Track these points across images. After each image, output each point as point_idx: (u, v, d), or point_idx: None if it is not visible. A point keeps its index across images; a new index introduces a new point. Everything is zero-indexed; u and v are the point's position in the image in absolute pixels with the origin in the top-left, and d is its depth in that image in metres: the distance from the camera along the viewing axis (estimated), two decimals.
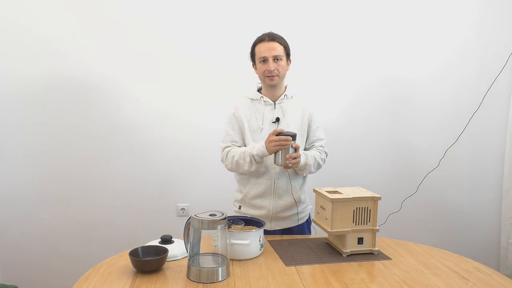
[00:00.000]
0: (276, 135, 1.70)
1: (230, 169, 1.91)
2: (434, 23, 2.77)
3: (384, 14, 2.73)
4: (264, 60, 1.82)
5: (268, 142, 1.73)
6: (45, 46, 2.51)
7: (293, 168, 1.81)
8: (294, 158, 1.72)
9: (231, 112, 1.93)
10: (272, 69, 1.81)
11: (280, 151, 1.72)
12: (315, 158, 1.86)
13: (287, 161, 1.71)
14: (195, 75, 2.64)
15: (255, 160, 1.78)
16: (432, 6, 2.75)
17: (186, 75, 2.63)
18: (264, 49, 1.82)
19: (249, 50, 1.91)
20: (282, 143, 1.68)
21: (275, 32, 1.87)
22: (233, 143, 1.89)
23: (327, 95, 2.74)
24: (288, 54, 1.88)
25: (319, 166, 1.91)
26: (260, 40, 1.85)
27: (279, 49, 1.82)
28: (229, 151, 1.87)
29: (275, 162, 1.77)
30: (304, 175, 1.93)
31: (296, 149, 1.73)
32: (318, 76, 2.71)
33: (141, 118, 2.64)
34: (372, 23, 2.73)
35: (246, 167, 1.81)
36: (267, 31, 1.89)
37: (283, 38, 1.87)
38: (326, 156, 1.96)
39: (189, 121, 2.67)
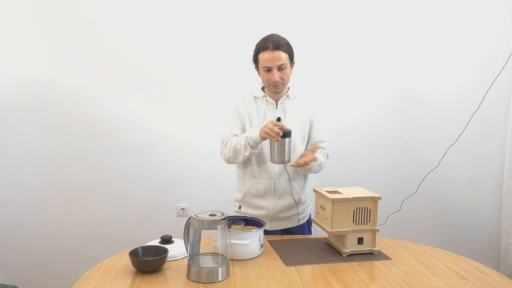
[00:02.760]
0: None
1: (228, 159, 1.87)
2: (434, 24, 2.77)
3: (385, 14, 2.73)
4: (268, 69, 1.79)
5: (264, 126, 1.71)
6: (43, 49, 2.52)
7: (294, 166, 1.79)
8: (303, 160, 1.75)
9: (234, 108, 1.92)
10: (276, 80, 1.79)
11: (276, 149, 1.70)
12: (320, 163, 1.85)
13: (285, 158, 1.70)
14: (194, 76, 2.64)
15: (248, 143, 1.76)
16: (432, 7, 2.75)
17: (185, 76, 2.63)
18: (268, 58, 1.77)
19: (249, 52, 1.88)
20: (270, 133, 1.65)
21: (279, 36, 1.82)
22: (233, 136, 1.88)
23: (328, 96, 2.73)
24: (292, 60, 1.85)
25: (320, 168, 1.90)
26: (264, 48, 1.79)
27: (283, 58, 1.78)
28: (228, 141, 1.86)
29: (271, 160, 1.75)
30: (303, 173, 1.93)
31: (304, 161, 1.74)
32: (320, 77, 2.71)
33: (141, 119, 2.64)
34: (374, 23, 2.73)
35: (242, 151, 1.78)
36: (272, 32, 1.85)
37: (287, 44, 1.81)
38: (327, 158, 1.95)
39: (189, 121, 2.67)
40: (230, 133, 1.89)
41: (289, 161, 1.73)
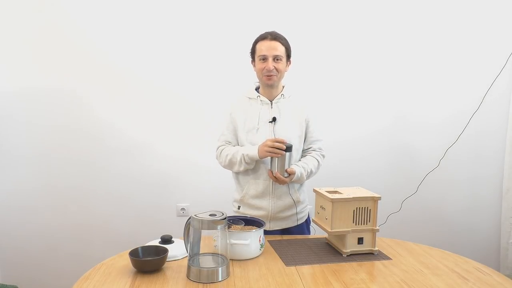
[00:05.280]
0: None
1: (224, 167, 1.93)
2: (434, 23, 2.77)
3: (384, 15, 2.73)
4: (264, 58, 1.81)
5: (262, 145, 1.74)
6: (41, 51, 2.52)
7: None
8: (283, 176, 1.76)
9: (228, 112, 1.94)
10: (271, 69, 1.80)
11: (277, 161, 1.74)
12: (310, 171, 1.86)
13: (275, 173, 1.74)
14: (193, 76, 2.64)
15: (244, 160, 1.80)
16: (432, 6, 2.75)
17: (184, 76, 2.63)
18: (265, 47, 1.81)
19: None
20: (274, 150, 1.70)
21: (278, 32, 1.86)
22: (227, 143, 1.92)
23: (328, 96, 2.73)
24: (288, 56, 1.87)
25: (312, 174, 1.90)
26: (262, 38, 1.84)
27: (280, 49, 1.81)
28: (222, 149, 1.90)
29: (270, 170, 1.79)
30: (298, 183, 1.93)
31: (289, 173, 1.76)
32: (319, 77, 2.71)
33: (141, 119, 2.64)
34: (374, 23, 2.73)
35: (236, 166, 1.84)
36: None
37: (285, 39, 1.86)
38: (323, 158, 1.95)
39: (189, 121, 2.67)
40: (223, 139, 1.93)
41: (288, 175, 1.79)
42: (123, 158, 2.65)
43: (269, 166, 1.80)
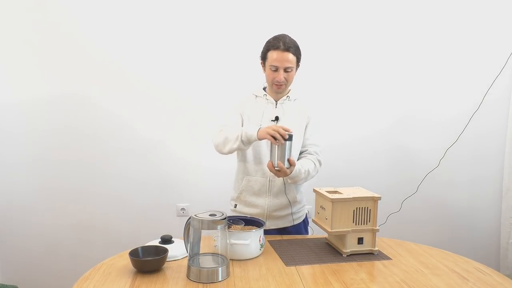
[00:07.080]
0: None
1: (217, 146, 1.84)
2: (434, 24, 2.77)
3: (384, 16, 2.73)
4: (275, 69, 1.79)
5: (267, 127, 1.67)
6: (41, 53, 2.52)
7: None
8: (280, 170, 1.67)
9: (235, 103, 1.93)
10: (281, 80, 1.80)
11: (276, 150, 1.67)
12: (307, 172, 1.80)
13: (278, 163, 1.66)
14: (194, 76, 2.64)
15: (241, 137, 1.73)
16: (432, 6, 2.75)
17: (185, 76, 2.64)
18: (277, 58, 1.77)
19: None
20: (275, 135, 1.62)
21: (290, 37, 1.81)
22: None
23: (330, 96, 2.73)
24: (298, 61, 1.84)
25: (309, 176, 1.85)
26: (274, 47, 1.78)
27: (291, 60, 1.78)
28: (223, 128, 1.84)
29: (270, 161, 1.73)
30: (293, 183, 1.88)
31: (290, 163, 1.69)
32: (320, 78, 2.71)
33: (141, 119, 2.64)
34: (373, 25, 2.72)
35: (231, 143, 1.76)
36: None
37: (296, 47, 1.81)
38: (320, 165, 1.90)
39: (189, 120, 2.67)
40: (229, 122, 1.88)
41: (289, 165, 1.71)
42: (123, 158, 2.65)
43: (270, 158, 1.72)
